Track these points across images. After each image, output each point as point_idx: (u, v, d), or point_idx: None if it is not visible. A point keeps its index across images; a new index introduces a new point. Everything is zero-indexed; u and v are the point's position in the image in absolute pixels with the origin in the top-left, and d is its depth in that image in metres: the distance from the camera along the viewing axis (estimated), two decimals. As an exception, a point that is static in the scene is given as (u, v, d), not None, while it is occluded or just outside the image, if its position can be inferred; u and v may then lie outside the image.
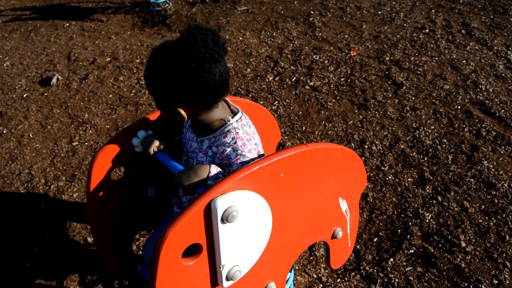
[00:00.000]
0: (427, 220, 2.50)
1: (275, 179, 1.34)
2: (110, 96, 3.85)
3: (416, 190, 2.69)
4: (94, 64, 4.42)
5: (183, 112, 1.40)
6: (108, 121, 3.54)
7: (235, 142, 1.43)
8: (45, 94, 3.98)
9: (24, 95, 4.01)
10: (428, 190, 2.67)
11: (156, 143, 1.55)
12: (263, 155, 1.54)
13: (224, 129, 1.45)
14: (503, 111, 3.21)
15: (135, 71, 4.20)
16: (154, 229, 1.97)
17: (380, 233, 2.48)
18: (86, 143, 3.31)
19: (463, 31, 4.33)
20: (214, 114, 1.46)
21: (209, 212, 1.19)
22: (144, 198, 1.80)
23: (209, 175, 1.34)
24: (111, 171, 1.61)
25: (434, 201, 2.60)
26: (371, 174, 2.84)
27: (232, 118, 1.47)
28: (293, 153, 1.35)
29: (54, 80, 4.05)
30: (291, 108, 3.50)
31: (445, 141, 3.00)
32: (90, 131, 3.44)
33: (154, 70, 1.35)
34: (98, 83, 4.05)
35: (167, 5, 5.65)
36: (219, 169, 1.37)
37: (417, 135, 3.07)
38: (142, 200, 1.80)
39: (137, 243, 2.48)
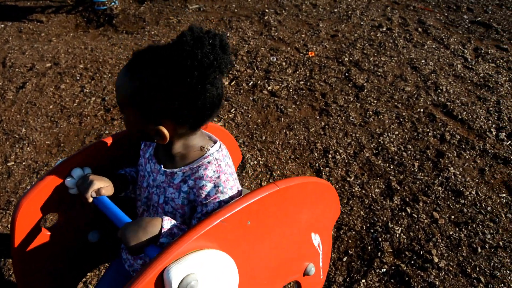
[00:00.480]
0: (397, 235, 2.38)
1: (241, 229, 1.14)
2: (51, 107, 3.50)
3: (384, 202, 2.57)
4: (33, 70, 4.03)
5: (165, 132, 1.16)
6: (49, 136, 3.21)
7: (218, 177, 1.21)
8: (-24, 107, 3.58)
9: (-48, 109, 3.59)
10: (396, 201, 2.56)
11: (95, 185, 1.28)
12: (241, 191, 1.32)
13: (204, 160, 1.22)
14: (465, 113, 3.15)
15: (78, 77, 3.86)
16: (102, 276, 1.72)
17: (349, 251, 2.34)
18: (24, 163, 2.98)
19: (419, 29, 4.27)
20: (194, 141, 1.25)
21: (161, 284, 0.97)
22: (85, 244, 1.55)
23: (162, 231, 1.10)
24: (41, 219, 1.35)
25: (403, 213, 2.49)
26: (337, 186, 2.69)
27: (212, 147, 1.26)
28: (261, 196, 1.15)
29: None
30: (249, 115, 3.30)
31: (410, 147, 2.90)
32: (28, 148, 3.10)
33: (140, 81, 1.10)
34: (37, 92, 3.69)
35: (113, 3, 5.29)
36: (173, 222, 1.14)
37: (382, 142, 2.95)
38: (82, 248, 1.55)
39: None
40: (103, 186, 1.31)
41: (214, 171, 1.21)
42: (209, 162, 1.21)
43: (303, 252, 1.49)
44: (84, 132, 3.22)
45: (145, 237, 1.08)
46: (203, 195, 1.20)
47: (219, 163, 1.22)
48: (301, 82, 3.61)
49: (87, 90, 3.66)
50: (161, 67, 1.08)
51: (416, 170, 2.73)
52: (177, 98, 1.10)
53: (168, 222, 1.12)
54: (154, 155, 1.34)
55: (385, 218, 2.47)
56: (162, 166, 1.28)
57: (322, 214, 1.51)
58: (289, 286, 2.17)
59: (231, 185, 1.23)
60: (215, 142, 1.29)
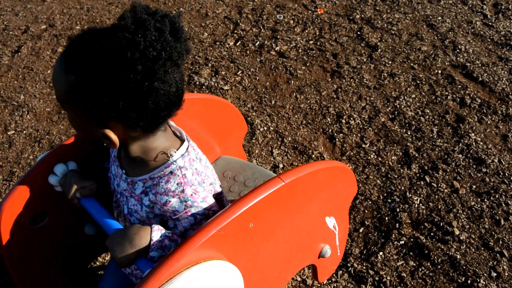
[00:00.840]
0: (416, 205, 2.28)
1: (243, 233, 1.01)
2: (48, 72, 3.32)
3: (402, 170, 2.45)
4: (27, 33, 3.82)
5: (113, 136, 0.95)
6: (48, 103, 3.05)
7: (183, 191, 1.01)
8: (-30, 72, 3.40)
9: None
10: (414, 170, 2.44)
11: (78, 185, 1.13)
12: (221, 192, 1.16)
13: (165, 169, 1.01)
14: (485, 74, 2.98)
15: (75, 39, 3.65)
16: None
17: (366, 222, 2.24)
18: (25, 131, 2.84)
19: (435, -17, 4.02)
20: (155, 143, 1.02)
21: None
22: (82, 238, 1.43)
23: (151, 244, 0.96)
24: (28, 219, 1.22)
25: (422, 182, 2.38)
26: (352, 153, 2.57)
27: (177, 150, 1.04)
28: (264, 196, 1.01)
29: (-22, 55, 3.46)
30: (257, 78, 3.13)
31: (428, 111, 2.75)
32: (28, 116, 2.96)
33: (76, 75, 0.88)
34: (34, 56, 3.50)
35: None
36: (163, 232, 0.99)
37: (398, 106, 2.80)
38: (78, 242, 1.43)
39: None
40: (87, 185, 1.15)
41: (177, 184, 1.01)
42: (171, 173, 1.01)
43: (317, 237, 1.38)
44: (84, 98, 3.06)
45: (132, 250, 0.94)
46: (170, 211, 1.03)
47: (183, 173, 1.01)
48: (311, 42, 3.41)
49: (85, 52, 3.46)
50: (99, 58, 0.85)
51: (435, 136, 2.60)
52: (120, 97, 0.87)
53: (157, 233, 0.97)
54: (118, 157, 1.15)
55: (402, 187, 2.37)
56: (124, 172, 1.10)
57: (337, 196, 1.40)
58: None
59: (202, 197, 1.04)
60: (182, 142, 1.08)
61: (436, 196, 2.30)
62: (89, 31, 0.89)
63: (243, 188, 1.65)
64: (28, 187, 1.18)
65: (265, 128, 2.75)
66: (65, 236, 1.38)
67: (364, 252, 2.13)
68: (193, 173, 1.04)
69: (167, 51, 0.84)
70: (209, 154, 1.75)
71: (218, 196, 1.12)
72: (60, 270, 1.42)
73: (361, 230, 2.20)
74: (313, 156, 2.56)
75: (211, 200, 1.07)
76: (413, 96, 2.86)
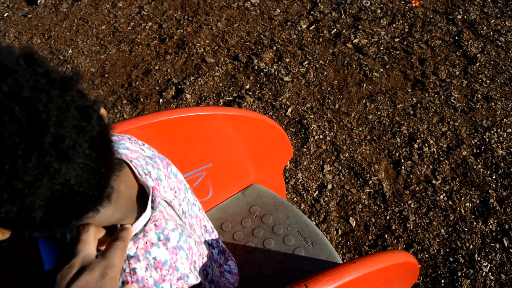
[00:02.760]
0: (484, 273, 1.83)
1: None
2: (103, 27, 3.10)
3: (475, 223, 1.99)
4: (94, -20, 3.61)
5: None
6: (95, 63, 2.84)
7: None
8: (29, 15, 3.25)
9: (5, 14, 3.29)
10: (491, 226, 1.97)
11: None
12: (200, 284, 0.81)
13: None
14: None
15: (139, -4, 3.39)
16: None
17: (417, 280, 1.84)
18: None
19: None
20: (100, 217, 0.65)
21: None
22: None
23: None
24: None
25: (497, 245, 1.91)
26: (417, 188, 2.13)
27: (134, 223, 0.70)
28: None
29: (40, -1, 3.31)
30: (325, 73, 2.71)
31: (524, 154, 2.23)
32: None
33: None
34: (92, 8, 3.28)
35: None
36: None
37: (487, 139, 2.29)
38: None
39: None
40: None
41: (122, 283, 0.67)
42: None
43: None
44: (133, 64, 2.82)
45: None
46: None
47: (132, 267, 0.68)
48: (396, 40, 2.91)
49: (144, 13, 3.20)
50: None
51: (527, 188, 2.09)
52: None
53: None
54: None
55: (471, 246, 1.92)
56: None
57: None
58: None
59: None
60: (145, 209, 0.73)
61: (513, 268, 1.84)
62: None
63: (270, 235, 1.31)
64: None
65: (321, 136, 2.37)
66: (31, 255, 1.14)
67: (407, 318, 1.74)
68: (148, 267, 0.70)
69: (32, 138, 0.43)
70: (239, 180, 1.42)
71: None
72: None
73: (408, 289, 1.80)
74: (370, 182, 2.16)
75: None
76: (509, 130, 2.33)
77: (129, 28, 3.08)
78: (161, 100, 2.59)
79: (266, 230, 1.33)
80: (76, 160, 0.47)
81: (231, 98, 2.58)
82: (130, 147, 0.82)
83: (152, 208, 0.74)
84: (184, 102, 2.56)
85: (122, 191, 0.68)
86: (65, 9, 3.25)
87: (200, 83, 2.67)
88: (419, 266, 1.88)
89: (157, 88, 2.68)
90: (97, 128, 0.51)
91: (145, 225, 0.72)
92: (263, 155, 1.47)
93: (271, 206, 1.39)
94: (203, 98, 2.59)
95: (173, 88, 2.66)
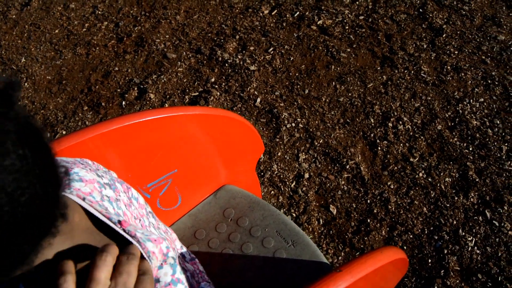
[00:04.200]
0: (470, 248, 1.80)
1: None
2: (56, 31, 2.94)
3: (456, 198, 1.96)
4: (42, -19, 3.42)
5: None
6: (50, 70, 2.68)
7: None
8: (-26, 24, 3.06)
9: None
10: (472, 199, 1.95)
11: None
12: None
13: None
14: None
15: (91, -5, 3.22)
16: None
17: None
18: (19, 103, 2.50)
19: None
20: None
21: None
22: None
23: None
24: None
25: (480, 218, 1.89)
26: (395, 168, 2.09)
27: None
28: None
29: (-15, 5, 3.12)
30: (291, 58, 2.63)
31: (498, 122, 2.20)
32: (26, 84, 2.61)
33: None
34: (43, 11, 3.11)
35: None
36: None
37: (461, 111, 2.26)
38: None
39: None
40: None
41: None
42: None
43: None
44: (91, 67, 2.67)
45: None
46: None
47: None
48: (361, 17, 2.84)
49: (99, 12, 3.04)
50: None
51: (504, 157, 2.07)
52: None
53: None
54: None
55: (455, 222, 1.89)
56: None
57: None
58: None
59: None
60: None
61: (497, 239, 1.81)
62: None
63: (247, 239, 1.23)
64: None
65: (293, 124, 2.29)
66: None
67: (397, 302, 1.71)
68: None
69: None
70: (210, 182, 1.33)
71: None
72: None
73: (396, 272, 1.76)
74: (347, 167, 2.10)
75: None
76: (481, 100, 2.30)
77: (84, 29, 2.93)
78: (123, 103, 2.47)
79: (243, 234, 1.25)
80: (4, 158, 0.38)
81: (197, 94, 2.48)
82: (84, 176, 0.70)
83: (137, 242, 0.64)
84: (148, 102, 2.45)
85: (76, 222, 0.59)
86: (14, 16, 3.07)
87: (163, 80, 2.56)
88: (405, 247, 1.85)
89: (119, 90, 2.55)
90: (21, 118, 0.41)
91: None
92: (233, 154, 1.38)
93: (246, 207, 1.31)
94: (168, 96, 2.48)
95: (136, 88, 2.54)
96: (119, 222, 0.64)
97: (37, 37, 2.89)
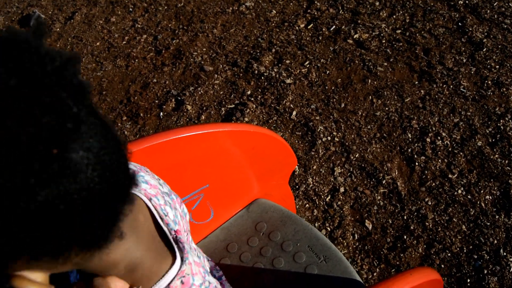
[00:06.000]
0: (511, 269, 1.74)
1: None
2: (97, 44, 3.04)
3: (497, 217, 1.90)
4: (85, -4, 3.56)
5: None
6: (92, 81, 2.78)
7: None
8: (22, 37, 3.21)
9: (-2, 38, 3.25)
10: (515, 218, 1.89)
11: None
12: None
13: None
14: None
15: (131, 9, 3.33)
16: None
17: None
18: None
19: None
20: (111, 256, 0.53)
21: None
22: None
23: None
24: None
25: (523, 238, 1.82)
26: (433, 184, 2.05)
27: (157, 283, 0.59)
28: None
29: (33, 20, 3.26)
30: (327, 72, 2.63)
31: (542, 139, 2.13)
32: (70, 93, 2.71)
33: None
34: (86, 25, 3.23)
35: None
36: None
37: (502, 127, 2.20)
38: None
39: None
40: None
41: None
42: None
43: None
44: (130, 79, 2.75)
45: None
46: None
47: None
48: (398, 31, 2.82)
49: (138, 26, 3.14)
50: None
51: (549, 176, 2.00)
52: None
53: None
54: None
55: (495, 241, 1.83)
56: None
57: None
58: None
59: None
60: (174, 259, 0.62)
61: (542, 261, 1.74)
62: None
63: (279, 254, 1.23)
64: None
65: (329, 138, 2.29)
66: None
67: (435, 322, 1.66)
68: None
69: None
70: (242, 196, 1.35)
71: None
72: None
73: (433, 291, 1.72)
74: (384, 182, 2.07)
75: None
76: (524, 116, 2.23)
77: (124, 42, 3.02)
78: (161, 114, 2.52)
79: (275, 248, 1.25)
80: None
81: (233, 106, 2.51)
82: (150, 181, 0.70)
83: (182, 259, 0.63)
84: (185, 113, 2.50)
85: (141, 221, 0.60)
86: (58, 29, 3.20)
87: (200, 92, 2.60)
88: (442, 267, 1.80)
89: (157, 101, 2.61)
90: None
91: (170, 282, 0.60)
92: (265, 168, 1.39)
93: (278, 221, 1.31)
94: (204, 108, 2.52)
95: (173, 100, 2.60)
96: (175, 231, 0.65)
97: (80, 49, 3.00)
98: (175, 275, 0.61)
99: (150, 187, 0.68)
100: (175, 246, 0.63)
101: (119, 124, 2.51)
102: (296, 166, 2.18)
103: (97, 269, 0.53)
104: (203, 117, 2.48)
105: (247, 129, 1.23)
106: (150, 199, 0.65)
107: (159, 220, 0.64)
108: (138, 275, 0.56)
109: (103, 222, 0.45)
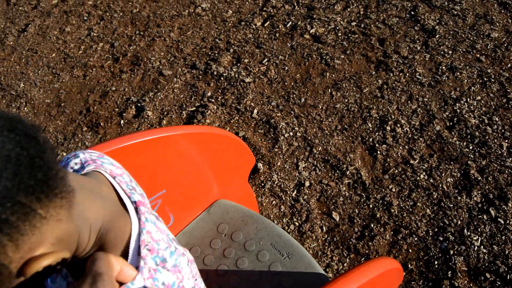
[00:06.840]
0: (476, 248, 1.78)
1: None
2: (53, 55, 2.97)
3: (459, 198, 1.94)
4: (37, 9, 3.46)
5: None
6: (49, 93, 2.71)
7: None
8: (-28, 54, 3.10)
9: None
10: (476, 198, 1.93)
11: None
12: None
13: None
14: None
15: (85, 17, 3.25)
16: None
17: (409, 265, 1.78)
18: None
19: None
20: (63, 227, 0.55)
21: None
22: None
23: None
24: None
25: (485, 216, 1.87)
26: (396, 171, 2.07)
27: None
28: None
29: (-18, 34, 3.16)
30: (286, 68, 2.64)
31: (497, 119, 2.19)
32: (26, 108, 2.63)
33: None
34: (40, 36, 3.14)
35: None
36: None
37: (458, 110, 2.25)
38: None
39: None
40: None
41: None
42: None
43: None
44: (88, 88, 2.69)
45: None
46: None
47: None
48: (353, 24, 2.86)
49: (94, 34, 3.07)
50: None
51: (505, 154, 2.05)
52: None
53: None
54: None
55: (459, 222, 1.87)
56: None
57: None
58: None
59: None
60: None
61: (504, 237, 1.79)
62: None
63: (242, 254, 1.22)
64: None
65: (291, 133, 2.29)
66: None
67: (405, 307, 1.68)
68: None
69: None
70: (201, 198, 1.33)
71: None
72: None
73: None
74: (348, 172, 2.09)
75: None
76: (478, 98, 2.29)
77: (80, 52, 2.96)
78: (122, 122, 2.48)
79: (238, 249, 1.24)
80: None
81: (194, 108, 2.48)
82: (115, 163, 0.80)
83: (139, 227, 0.68)
84: (146, 120, 2.46)
85: (105, 191, 0.69)
86: (11, 42, 3.10)
87: (160, 97, 2.57)
88: (410, 251, 1.82)
89: (117, 109, 2.56)
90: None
91: (138, 253, 0.65)
92: (223, 168, 1.38)
93: (239, 221, 1.30)
94: (165, 113, 2.49)
95: (133, 107, 2.55)
96: (135, 202, 0.71)
97: (35, 62, 2.92)
98: (138, 244, 0.66)
99: (116, 168, 0.78)
100: (135, 214, 0.70)
101: (79, 136, 2.45)
102: (261, 164, 2.17)
103: (79, 230, 0.58)
104: (165, 122, 2.44)
105: (201, 130, 1.22)
106: (114, 177, 0.73)
107: (122, 194, 0.71)
108: (113, 235, 0.63)
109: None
